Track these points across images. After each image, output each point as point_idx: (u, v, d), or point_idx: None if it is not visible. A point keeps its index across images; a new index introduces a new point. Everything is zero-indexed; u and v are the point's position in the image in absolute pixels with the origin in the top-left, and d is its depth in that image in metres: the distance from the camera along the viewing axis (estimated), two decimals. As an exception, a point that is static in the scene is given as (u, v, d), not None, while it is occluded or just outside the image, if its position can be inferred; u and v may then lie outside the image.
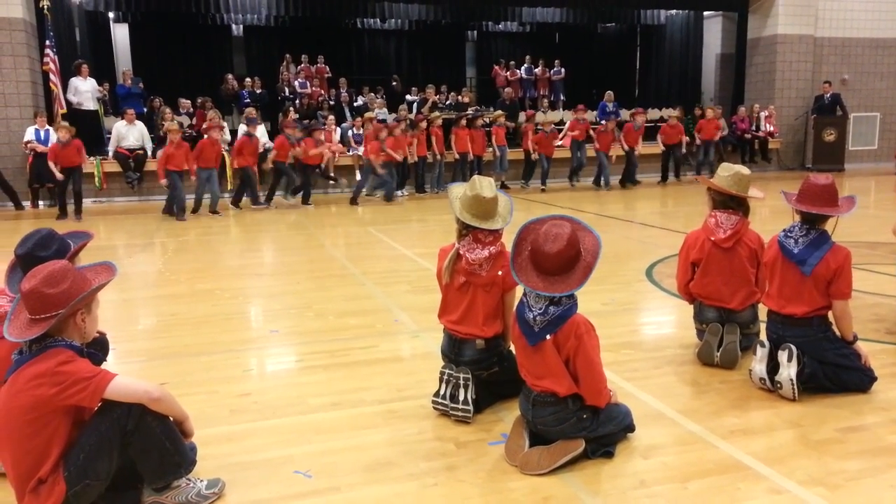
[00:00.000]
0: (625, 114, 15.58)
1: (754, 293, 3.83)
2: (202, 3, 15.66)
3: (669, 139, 14.12)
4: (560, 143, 14.38)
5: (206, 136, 11.01)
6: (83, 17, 15.17)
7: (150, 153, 12.85)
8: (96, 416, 2.34)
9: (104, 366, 2.61)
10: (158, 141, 13.03)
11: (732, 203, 3.82)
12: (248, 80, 15.58)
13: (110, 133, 12.76)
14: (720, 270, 3.81)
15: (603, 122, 14.13)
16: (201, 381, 3.77)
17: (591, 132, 13.88)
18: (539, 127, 13.68)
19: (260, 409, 3.37)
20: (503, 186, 13.77)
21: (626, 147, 13.61)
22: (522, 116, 16.21)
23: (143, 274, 6.75)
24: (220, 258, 7.71)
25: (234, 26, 18.05)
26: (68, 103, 12.64)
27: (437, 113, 14.32)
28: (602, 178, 13.72)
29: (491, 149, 13.85)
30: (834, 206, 3.37)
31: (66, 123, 10.80)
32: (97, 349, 2.92)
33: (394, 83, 17.02)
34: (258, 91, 15.37)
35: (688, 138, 14.27)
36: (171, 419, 2.46)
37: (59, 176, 10.28)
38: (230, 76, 15.60)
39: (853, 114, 16.50)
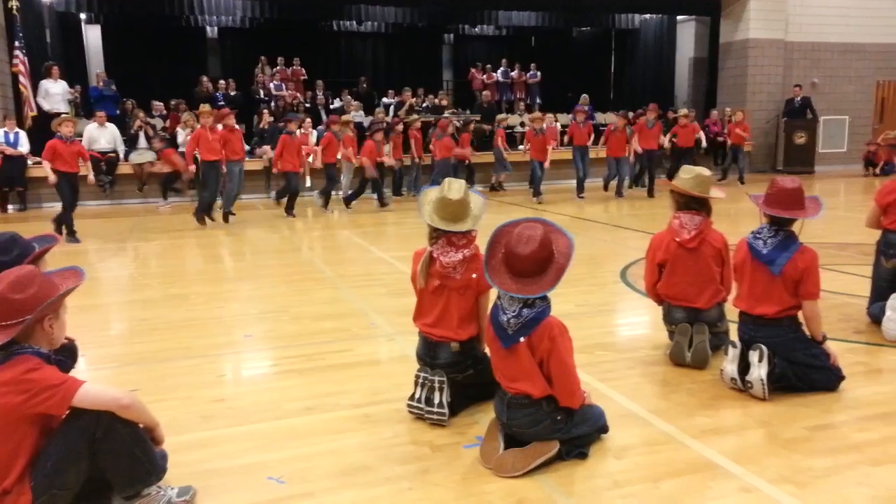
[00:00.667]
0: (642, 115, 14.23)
1: (720, 291, 3.90)
2: (176, 5, 15.52)
3: (683, 141, 12.84)
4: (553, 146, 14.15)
5: (223, 125, 9.85)
6: (54, 17, 14.96)
7: (122, 156, 12.71)
8: (64, 424, 2.31)
9: (73, 373, 2.57)
10: (130, 143, 12.90)
11: (695, 204, 3.89)
12: (222, 82, 15.48)
13: (81, 136, 12.60)
14: (686, 270, 3.89)
15: (613, 123, 13.03)
16: (174, 387, 3.73)
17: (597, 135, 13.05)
18: (536, 129, 12.55)
19: (233, 414, 3.35)
20: (494, 189, 13.75)
21: (639, 149, 12.32)
22: (511, 118, 16.23)
23: (114, 279, 6.67)
24: (193, 262, 7.64)
25: (208, 28, 17.91)
26: (39, 107, 12.45)
27: (414, 116, 14.32)
28: (630, 182, 12.78)
29: (491, 151, 13.80)
30: (801, 209, 3.45)
31: (68, 115, 9.88)
32: (66, 356, 2.88)
33: (363, 85, 16.99)
34: (232, 93, 15.28)
35: (668, 144, 13.17)
36: (142, 426, 2.43)
37: (51, 178, 8.30)
38: (205, 78, 15.49)
39: (823, 117, 16.80)
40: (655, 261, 4.01)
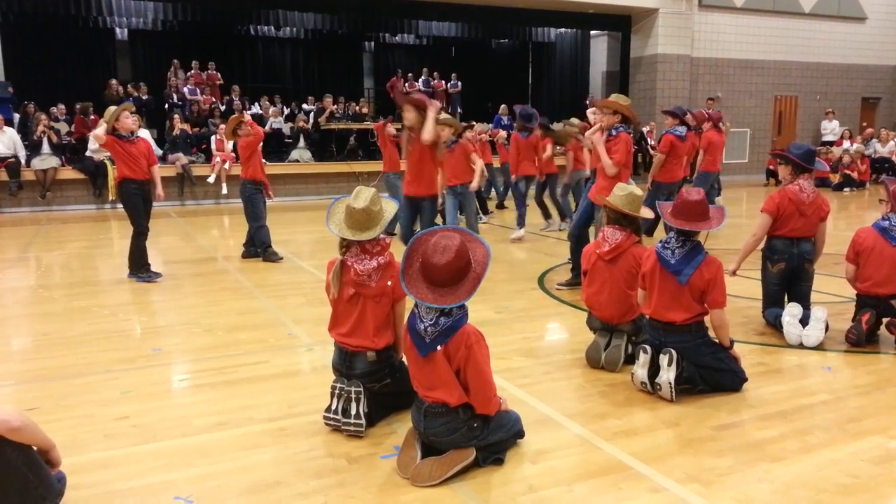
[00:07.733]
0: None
1: (633, 308, 3.99)
2: (83, 6, 14.85)
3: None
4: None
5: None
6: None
7: (23, 161, 12.05)
8: (-53, 449, 2.14)
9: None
10: (33, 148, 12.25)
11: (623, 220, 4.02)
12: (132, 85, 14.92)
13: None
14: (603, 281, 4.02)
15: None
16: (75, 405, 3.53)
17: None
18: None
19: (139, 432, 3.19)
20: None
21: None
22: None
23: (13, 291, 6.27)
24: (99, 273, 7.27)
25: (118, 30, 17.20)
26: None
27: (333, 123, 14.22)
28: None
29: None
30: (706, 220, 3.60)
31: None
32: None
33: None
34: (144, 97, 14.73)
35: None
36: (35, 449, 2.29)
37: None
38: (114, 81, 14.86)
39: (726, 130, 17.70)
40: (583, 269, 4.18)
